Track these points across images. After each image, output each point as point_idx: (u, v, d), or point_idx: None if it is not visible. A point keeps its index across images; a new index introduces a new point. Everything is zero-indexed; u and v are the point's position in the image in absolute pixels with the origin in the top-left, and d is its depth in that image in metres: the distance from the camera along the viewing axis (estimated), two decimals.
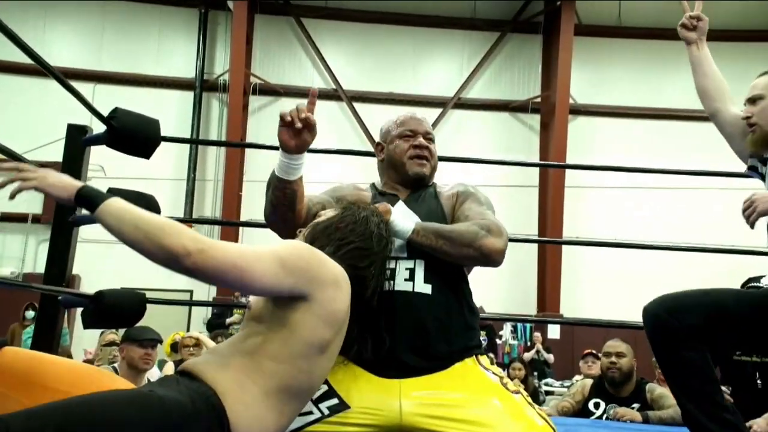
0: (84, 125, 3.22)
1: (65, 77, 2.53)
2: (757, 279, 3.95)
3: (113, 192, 2.97)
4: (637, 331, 3.78)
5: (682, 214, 11.27)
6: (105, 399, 1.30)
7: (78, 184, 1.48)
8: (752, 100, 2.34)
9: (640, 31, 12.11)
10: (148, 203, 3.10)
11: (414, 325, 1.92)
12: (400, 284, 1.96)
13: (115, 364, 3.99)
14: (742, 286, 4.03)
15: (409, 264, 1.98)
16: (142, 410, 1.28)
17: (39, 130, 10.56)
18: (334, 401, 1.86)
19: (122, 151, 3.06)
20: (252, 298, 1.67)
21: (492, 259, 1.97)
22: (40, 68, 2.40)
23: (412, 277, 1.97)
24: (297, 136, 1.89)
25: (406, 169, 2.16)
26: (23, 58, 2.35)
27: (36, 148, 10.12)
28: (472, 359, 1.98)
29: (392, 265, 1.96)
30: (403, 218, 2.00)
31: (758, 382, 3.81)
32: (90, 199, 1.44)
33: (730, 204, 11.05)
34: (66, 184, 1.47)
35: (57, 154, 9.84)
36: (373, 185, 2.28)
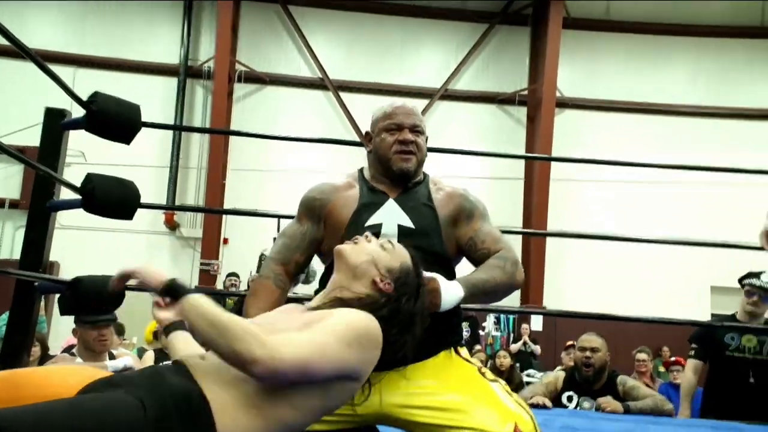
0: (62, 109, 3.17)
1: (45, 60, 2.50)
2: (757, 275, 3.94)
3: (94, 178, 2.95)
4: (617, 322, 3.82)
5: (669, 207, 11.31)
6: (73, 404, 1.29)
7: (166, 276, 1.58)
8: None
9: (629, 25, 12.14)
10: (128, 190, 3.08)
11: None
12: None
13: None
14: (740, 280, 4.05)
15: None
16: (112, 411, 1.27)
17: (16, 114, 10.39)
18: None
19: (102, 136, 3.03)
20: (279, 322, 1.59)
21: (517, 288, 2.13)
22: (16, 50, 2.35)
23: None
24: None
25: (391, 164, 2.12)
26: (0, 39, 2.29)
27: (13, 132, 10.05)
28: (450, 350, 2.01)
29: None
30: (450, 295, 1.91)
31: (751, 380, 3.82)
32: (175, 290, 1.53)
33: (715, 198, 11.24)
34: (159, 274, 1.60)
35: (33, 138, 9.76)
36: (362, 175, 2.22)
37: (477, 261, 2.13)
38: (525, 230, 10.78)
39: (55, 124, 3.14)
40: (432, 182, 2.21)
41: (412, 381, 1.88)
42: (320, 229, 2.15)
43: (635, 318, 3.53)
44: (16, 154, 2.61)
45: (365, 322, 1.54)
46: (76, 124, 3.06)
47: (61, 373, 1.51)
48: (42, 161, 3.04)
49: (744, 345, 3.86)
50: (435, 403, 1.85)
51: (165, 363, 1.69)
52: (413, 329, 1.68)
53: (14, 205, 10.90)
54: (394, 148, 2.11)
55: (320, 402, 1.50)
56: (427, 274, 1.87)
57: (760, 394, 3.79)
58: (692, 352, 4.16)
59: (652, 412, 3.44)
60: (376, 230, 1.99)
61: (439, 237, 2.08)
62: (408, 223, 2.05)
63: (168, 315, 1.67)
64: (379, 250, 1.72)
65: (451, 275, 2.05)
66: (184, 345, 1.68)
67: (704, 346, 4.07)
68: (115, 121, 3.01)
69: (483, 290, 2.00)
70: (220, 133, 11.29)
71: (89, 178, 2.97)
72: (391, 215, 2.06)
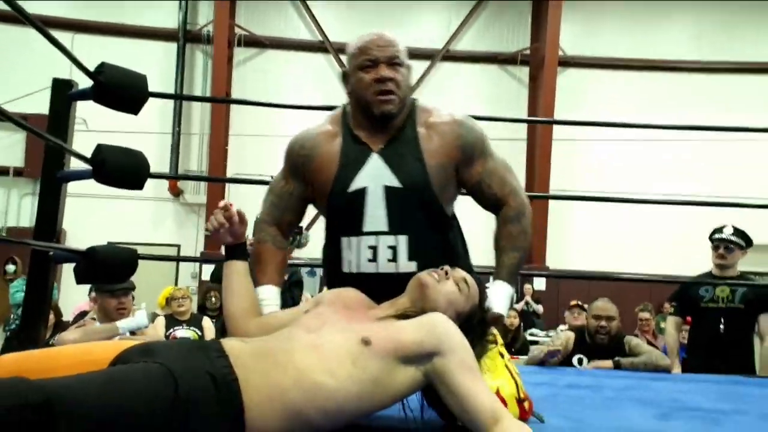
0: (69, 80, 3.19)
1: (45, 26, 2.49)
2: (721, 229, 4.09)
3: (104, 149, 2.98)
4: (617, 282, 3.90)
5: (672, 164, 11.31)
6: (110, 379, 1.31)
7: None
8: None
9: None
10: (138, 160, 3.12)
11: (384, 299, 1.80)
12: (383, 265, 1.89)
13: None
14: (709, 237, 4.16)
15: (390, 241, 1.89)
16: (144, 387, 1.29)
17: (17, 81, 10.40)
18: None
19: (110, 106, 3.04)
20: (344, 320, 1.61)
21: None
22: (17, 16, 2.35)
23: (395, 257, 1.89)
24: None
25: (371, 108, 1.92)
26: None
27: (14, 99, 10.00)
28: None
29: (372, 242, 1.89)
30: (505, 304, 1.96)
31: (721, 327, 3.94)
32: None
33: (718, 154, 11.20)
34: None
35: (35, 105, 9.77)
36: (344, 119, 2.03)
37: (486, 206, 2.08)
38: (528, 194, 10.78)
39: (63, 94, 3.16)
40: (421, 118, 2.01)
41: None
42: (308, 189, 2.04)
43: (636, 278, 3.59)
44: (28, 125, 2.65)
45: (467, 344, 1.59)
46: (84, 95, 3.08)
47: (92, 348, 1.54)
48: (51, 132, 3.07)
49: (717, 296, 4.00)
50: None
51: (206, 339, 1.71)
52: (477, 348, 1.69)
53: (18, 173, 10.95)
54: (372, 89, 1.91)
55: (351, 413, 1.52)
56: (493, 306, 1.88)
57: (731, 341, 3.94)
58: (672, 310, 4.34)
59: (645, 368, 3.48)
60: (361, 195, 1.91)
61: (431, 191, 1.93)
62: (394, 182, 1.91)
63: (227, 239, 1.88)
64: (456, 293, 1.69)
65: (447, 223, 2.01)
66: (237, 284, 1.86)
67: (682, 301, 4.21)
68: (122, 92, 3.03)
69: (519, 268, 2.05)
70: (223, 101, 11.26)
71: (99, 148, 3.00)
72: (376, 176, 1.91)
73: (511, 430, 1.44)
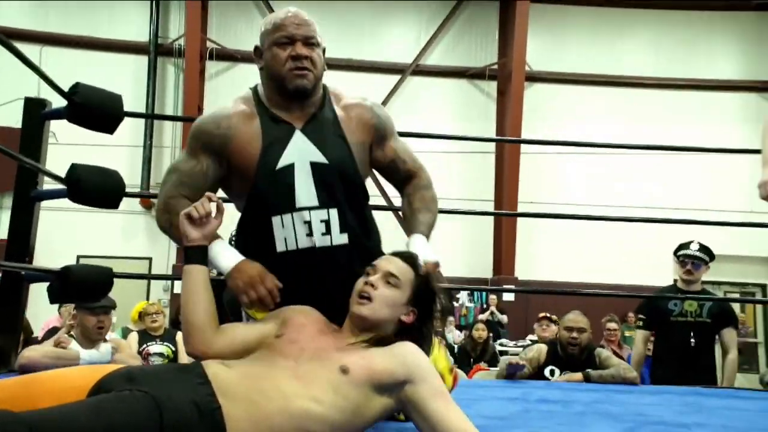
0: (43, 99, 3.19)
1: (9, 38, 2.45)
2: (687, 245, 4.19)
3: (79, 168, 2.97)
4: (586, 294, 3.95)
5: (635, 176, 11.57)
6: (96, 409, 1.30)
7: None
8: None
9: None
10: (113, 180, 3.11)
11: (339, 281, 1.83)
12: (319, 239, 1.90)
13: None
14: (675, 252, 4.25)
15: (323, 215, 1.91)
16: (129, 418, 1.29)
17: None
18: None
19: (85, 126, 3.03)
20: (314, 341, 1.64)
21: None
22: None
23: (328, 230, 1.91)
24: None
25: (286, 83, 1.92)
26: None
27: None
28: None
29: (306, 217, 1.89)
30: (427, 252, 1.92)
31: (692, 340, 4.04)
32: None
33: (676, 166, 11.49)
34: None
35: (3, 118, 9.54)
36: (257, 98, 2.01)
37: (398, 181, 2.14)
38: (496, 212, 10.94)
39: (36, 113, 3.14)
40: (335, 101, 2.06)
41: None
42: (223, 168, 1.97)
43: (603, 293, 3.65)
44: (9, 151, 2.62)
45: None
46: (59, 115, 3.07)
47: (74, 374, 1.53)
48: (24, 151, 3.06)
49: (686, 309, 4.12)
50: None
51: (183, 363, 1.68)
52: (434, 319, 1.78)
53: None
54: (288, 65, 1.91)
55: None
56: (422, 256, 1.85)
57: (700, 354, 4.06)
58: (640, 323, 4.41)
59: (614, 380, 3.54)
60: (289, 171, 1.90)
61: (353, 166, 1.98)
62: (320, 158, 1.93)
63: (197, 235, 1.73)
64: (389, 293, 1.70)
65: (366, 198, 2.05)
66: (202, 292, 1.72)
67: (651, 315, 4.29)
68: (97, 111, 3.01)
69: (432, 228, 2.06)
70: (193, 120, 11.16)
71: (74, 168, 2.99)
72: (302, 152, 1.93)
73: None
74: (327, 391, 1.49)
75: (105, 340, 3.61)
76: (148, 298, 9.74)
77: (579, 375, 3.63)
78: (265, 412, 1.42)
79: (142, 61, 11.45)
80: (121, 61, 11.36)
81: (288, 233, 1.90)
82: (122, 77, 10.97)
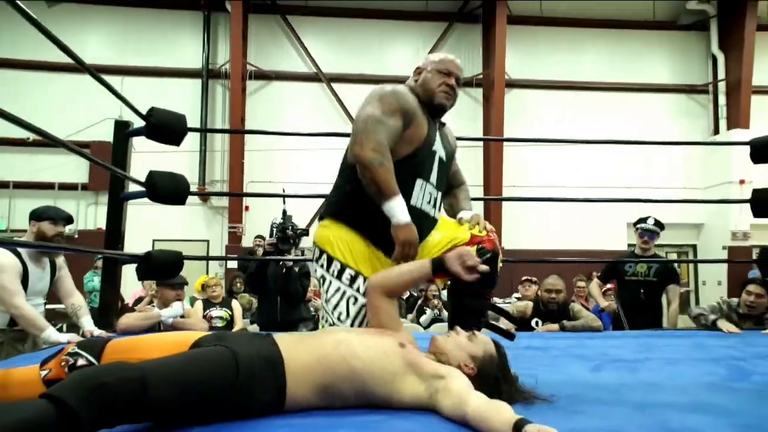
0: (127, 121, 3.25)
1: (98, 72, 2.51)
2: (645, 220, 4.20)
3: (155, 175, 3.04)
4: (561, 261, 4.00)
5: (594, 162, 11.67)
6: (189, 358, 1.37)
7: None
8: None
9: (557, 20, 12.16)
10: (180, 183, 3.18)
11: (424, 234, 2.06)
12: (431, 210, 2.11)
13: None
14: (635, 224, 4.27)
15: (436, 194, 2.13)
16: (215, 364, 1.35)
17: (78, 117, 10.51)
18: (362, 279, 1.97)
19: (158, 141, 3.10)
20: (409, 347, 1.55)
21: None
22: (79, 67, 2.36)
23: (434, 206, 2.12)
24: None
25: (435, 97, 2.11)
26: (64, 58, 2.29)
27: (77, 132, 10.26)
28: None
29: (431, 191, 2.09)
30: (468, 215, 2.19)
31: (641, 296, 4.07)
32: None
33: (626, 152, 11.67)
34: None
35: (94, 134, 9.79)
36: (414, 93, 2.13)
37: (451, 186, 2.34)
38: (487, 197, 10.99)
39: (122, 133, 3.23)
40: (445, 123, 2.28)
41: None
42: (401, 131, 2.02)
43: (574, 260, 3.66)
44: (103, 163, 2.69)
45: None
46: (139, 133, 3.14)
47: (175, 336, 1.60)
48: (115, 162, 3.14)
49: (638, 270, 4.14)
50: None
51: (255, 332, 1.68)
52: (504, 385, 1.58)
53: (84, 187, 11.04)
54: (441, 87, 2.11)
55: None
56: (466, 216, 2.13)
57: (649, 305, 4.11)
58: (599, 275, 4.44)
59: (583, 329, 3.58)
60: (433, 155, 2.09)
61: (451, 167, 2.24)
62: (444, 156, 2.15)
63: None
64: (464, 341, 1.63)
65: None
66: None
67: (611, 273, 4.34)
68: (168, 129, 3.09)
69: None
70: (237, 132, 11.28)
71: (151, 174, 3.07)
72: (439, 146, 2.13)
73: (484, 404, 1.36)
74: (378, 351, 1.48)
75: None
76: (207, 273, 9.86)
77: (556, 326, 3.68)
78: (319, 355, 1.44)
79: (197, 83, 11.49)
80: (182, 84, 11.39)
81: (420, 194, 2.06)
82: (183, 96, 11.17)
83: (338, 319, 1.97)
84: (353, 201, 2.02)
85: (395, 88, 2.06)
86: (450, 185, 2.33)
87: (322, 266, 2.05)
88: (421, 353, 1.58)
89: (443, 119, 2.25)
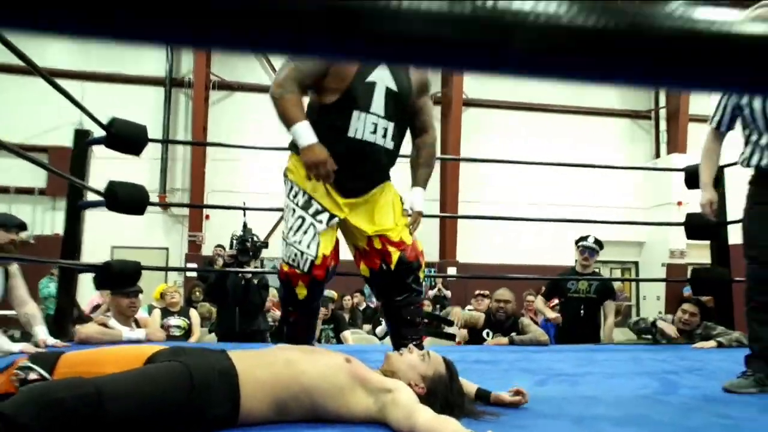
0: (87, 130, 3.21)
1: (58, 77, 2.51)
2: (585, 238, 4.33)
3: (115, 185, 3.00)
4: (510, 278, 4.09)
5: (546, 182, 11.88)
6: (144, 373, 1.37)
7: None
8: None
9: None
10: (140, 193, 3.14)
11: (381, 168, 2.20)
12: (378, 139, 2.14)
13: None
14: (576, 242, 4.40)
15: (385, 124, 2.14)
16: (170, 379, 1.35)
17: (39, 121, 10.20)
18: (327, 215, 2.12)
19: (118, 150, 3.08)
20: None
21: None
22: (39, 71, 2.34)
23: (385, 136, 2.15)
24: None
25: None
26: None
27: (35, 135, 10.06)
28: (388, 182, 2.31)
29: (374, 120, 2.11)
30: (420, 203, 2.30)
31: (581, 312, 4.20)
32: None
33: (575, 173, 11.93)
34: None
35: (53, 138, 9.46)
36: None
37: (415, 128, 2.36)
38: (443, 215, 11.12)
39: (82, 141, 3.17)
40: None
41: (370, 202, 2.21)
42: (324, 66, 2.09)
43: (522, 277, 3.76)
44: (62, 173, 2.63)
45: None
46: (99, 142, 3.09)
47: (129, 351, 1.58)
48: (73, 171, 3.07)
49: (579, 288, 4.26)
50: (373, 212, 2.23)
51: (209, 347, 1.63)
52: (454, 404, 1.58)
53: (42, 192, 10.66)
54: None
55: None
56: (415, 205, 2.25)
57: (589, 320, 4.24)
58: (544, 290, 4.55)
59: (531, 343, 3.63)
60: (372, 86, 2.11)
61: (410, 99, 2.22)
62: (393, 86, 2.15)
63: None
64: (416, 360, 1.63)
65: (406, 127, 2.29)
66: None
67: (555, 290, 4.46)
68: (128, 140, 3.06)
69: (428, 181, 2.37)
70: (198, 144, 11.06)
71: (111, 184, 3.02)
72: (383, 77, 2.13)
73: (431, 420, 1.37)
74: (322, 366, 1.49)
75: (136, 319, 3.61)
76: (166, 280, 9.64)
77: (506, 339, 3.73)
78: (268, 380, 1.45)
79: (161, 91, 11.29)
80: (145, 92, 11.18)
81: (359, 125, 2.11)
82: (145, 104, 10.92)
83: (297, 242, 2.11)
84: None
85: None
86: (414, 126, 2.36)
87: (288, 195, 2.18)
88: (369, 368, 1.59)
89: None
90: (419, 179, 2.33)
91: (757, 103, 2.18)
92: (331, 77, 2.11)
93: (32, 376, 1.43)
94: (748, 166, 2.25)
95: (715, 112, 2.37)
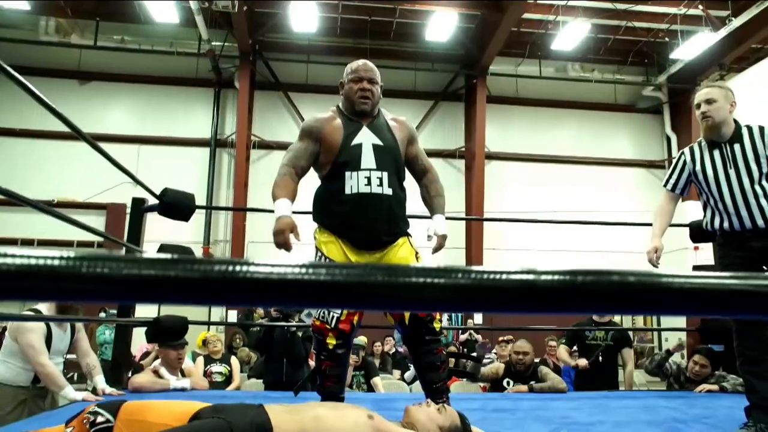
0: (143, 198, 3.42)
1: (117, 141, 2.73)
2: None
3: (164, 247, 3.20)
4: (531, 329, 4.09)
5: (562, 230, 11.79)
6: (192, 429, 1.48)
7: None
8: (708, 102, 2.40)
9: (531, 100, 12.67)
10: (185, 252, 3.34)
11: (386, 215, 2.23)
12: (375, 189, 2.21)
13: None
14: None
15: (379, 174, 2.23)
16: None
17: (100, 181, 10.60)
18: None
19: (169, 218, 3.26)
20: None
21: None
22: (103, 136, 2.53)
23: (381, 184, 2.22)
24: None
25: (355, 105, 2.30)
26: (89, 128, 2.54)
27: (94, 195, 10.51)
28: (406, 237, 2.35)
29: (367, 174, 2.21)
30: (444, 228, 2.35)
31: (600, 359, 4.20)
32: None
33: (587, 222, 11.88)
34: None
35: (111, 197, 9.91)
36: (340, 110, 2.37)
37: (417, 172, 2.46)
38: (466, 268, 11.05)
39: (138, 209, 3.40)
40: (385, 114, 2.39)
41: (384, 261, 2.24)
42: (317, 146, 2.30)
43: (546, 328, 3.77)
44: (119, 240, 2.83)
45: None
46: (153, 209, 3.32)
47: (178, 406, 1.70)
48: (130, 238, 3.30)
49: (597, 335, 4.28)
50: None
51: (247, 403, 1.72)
52: None
53: (100, 246, 10.97)
54: (357, 94, 2.30)
55: None
56: (439, 230, 2.32)
57: (606, 367, 4.24)
58: (564, 341, 4.57)
59: (550, 390, 3.63)
60: (359, 147, 2.23)
61: (398, 149, 2.32)
62: (378, 142, 2.27)
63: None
64: (435, 413, 1.73)
65: (403, 171, 2.37)
66: None
67: (573, 338, 4.47)
68: (179, 207, 3.27)
69: (444, 207, 2.45)
70: (237, 210, 11.38)
71: (162, 247, 3.23)
72: (367, 138, 2.26)
73: None
74: (350, 422, 1.56)
75: (182, 370, 3.75)
76: (208, 329, 9.83)
77: (525, 387, 3.73)
78: (300, 428, 1.54)
79: (206, 151, 11.80)
80: (193, 152, 11.72)
81: (353, 182, 2.22)
82: (193, 163, 11.54)
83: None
84: (315, 204, 2.38)
85: (311, 116, 2.37)
86: (416, 171, 2.47)
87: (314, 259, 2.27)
88: (390, 422, 1.68)
89: (395, 114, 2.45)
90: (436, 208, 2.42)
91: (710, 171, 2.26)
92: (323, 153, 2.29)
93: (100, 419, 1.59)
94: (712, 229, 2.32)
95: (670, 175, 2.45)
